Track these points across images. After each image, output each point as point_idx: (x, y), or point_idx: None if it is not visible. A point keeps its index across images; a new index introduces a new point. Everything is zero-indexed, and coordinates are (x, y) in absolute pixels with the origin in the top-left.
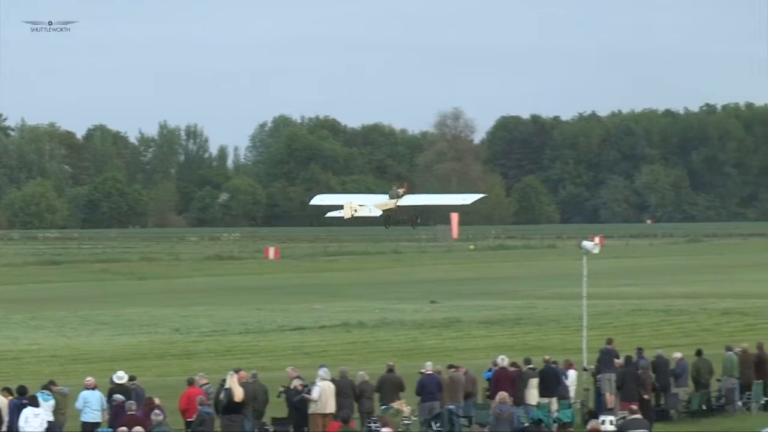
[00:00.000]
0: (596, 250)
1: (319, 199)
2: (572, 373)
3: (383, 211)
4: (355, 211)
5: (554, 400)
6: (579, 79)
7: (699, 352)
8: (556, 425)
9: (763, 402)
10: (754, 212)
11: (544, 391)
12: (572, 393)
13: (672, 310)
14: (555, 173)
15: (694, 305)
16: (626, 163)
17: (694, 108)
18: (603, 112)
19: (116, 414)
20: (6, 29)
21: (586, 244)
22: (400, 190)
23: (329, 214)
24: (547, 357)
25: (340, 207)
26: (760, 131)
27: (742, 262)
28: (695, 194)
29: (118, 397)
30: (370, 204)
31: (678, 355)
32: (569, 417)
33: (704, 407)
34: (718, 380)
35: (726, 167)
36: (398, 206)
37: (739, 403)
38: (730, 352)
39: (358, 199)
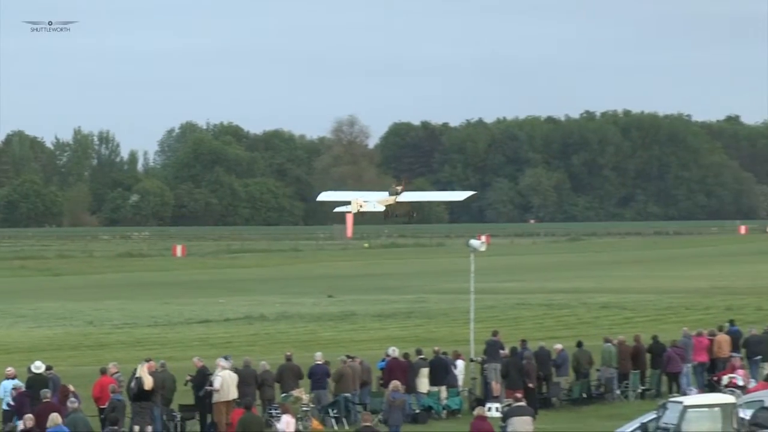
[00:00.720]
0: (483, 248)
1: (325, 196)
2: (460, 363)
3: (385, 206)
4: (361, 206)
5: (443, 388)
6: (467, 88)
7: (579, 344)
8: (445, 412)
9: (639, 390)
10: (630, 212)
11: (434, 380)
12: (460, 382)
13: (554, 304)
14: (444, 176)
15: (575, 300)
16: (511, 167)
17: (575, 115)
18: (489, 118)
19: (21, 403)
20: None
21: (474, 242)
22: (399, 188)
23: (337, 209)
24: (436, 348)
25: (347, 203)
26: (636, 136)
27: (620, 260)
28: (575, 196)
29: (18, 384)
30: (373, 200)
31: (559, 346)
32: (458, 404)
33: (584, 395)
34: (598, 370)
35: (604, 170)
36: (397, 202)
37: (617, 392)
38: (609, 344)
39: (362, 196)
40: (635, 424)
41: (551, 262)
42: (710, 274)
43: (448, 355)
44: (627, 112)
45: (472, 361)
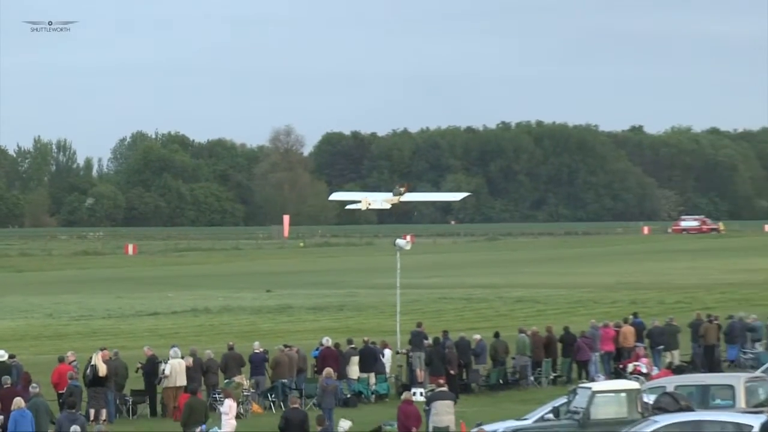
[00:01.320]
0: (408, 247)
1: (336, 195)
2: (388, 352)
3: (391, 204)
4: (369, 204)
5: (372, 375)
6: (394, 101)
7: (496, 334)
8: (374, 396)
9: (551, 377)
10: (542, 214)
11: (363, 367)
12: (388, 369)
13: (473, 298)
14: (372, 181)
15: (492, 294)
16: (433, 173)
17: (492, 125)
18: (413, 128)
19: None
20: None
21: (400, 242)
22: (402, 189)
23: (348, 207)
24: (366, 338)
25: (357, 201)
26: (548, 145)
27: (533, 258)
28: (492, 199)
29: None
30: (380, 199)
31: (478, 336)
32: (385, 389)
33: (501, 381)
34: (513, 358)
35: (519, 176)
36: (401, 201)
37: (531, 378)
38: (523, 335)
39: (369, 195)
40: (547, 407)
41: (470, 260)
42: (616, 270)
43: (376, 345)
44: (540, 123)
45: (398, 353)
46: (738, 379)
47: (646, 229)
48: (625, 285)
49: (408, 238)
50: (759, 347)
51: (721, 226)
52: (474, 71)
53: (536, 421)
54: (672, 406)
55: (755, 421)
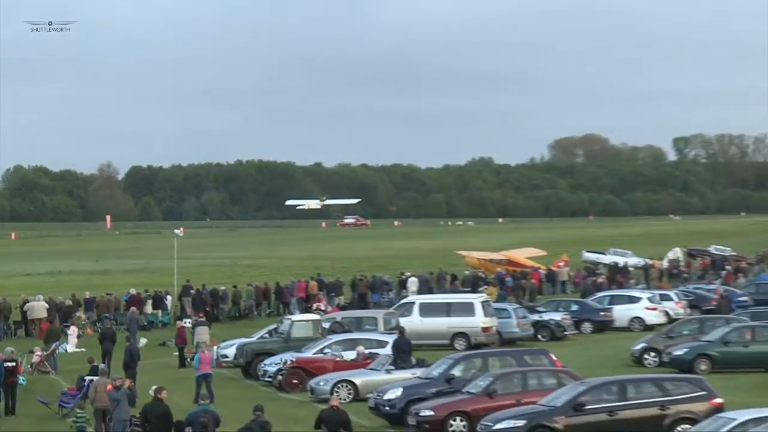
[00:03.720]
0: (181, 235)
1: (290, 202)
2: (170, 297)
3: (321, 206)
4: (310, 206)
5: (160, 311)
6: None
7: (234, 286)
8: (161, 324)
9: (267, 312)
10: (263, 214)
11: (154, 306)
12: (170, 307)
13: (221, 265)
14: (161, 196)
15: (231, 262)
16: (197, 191)
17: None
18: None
19: None
20: None
21: (177, 231)
22: (324, 198)
23: (298, 207)
24: (157, 289)
25: (303, 204)
26: (266, 173)
27: (256, 240)
28: (232, 205)
29: None
30: (314, 203)
31: (223, 287)
32: (168, 320)
33: (237, 315)
34: (245, 301)
35: (249, 192)
36: (323, 205)
37: (255, 313)
38: (251, 286)
39: (308, 202)
40: (265, 331)
41: (215, 243)
42: (308, 248)
43: (161, 292)
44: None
45: (179, 299)
46: (379, 314)
47: (324, 223)
48: (313, 257)
49: (182, 229)
50: (392, 294)
51: (369, 222)
52: None
53: (258, 339)
54: (339, 329)
55: (390, 338)
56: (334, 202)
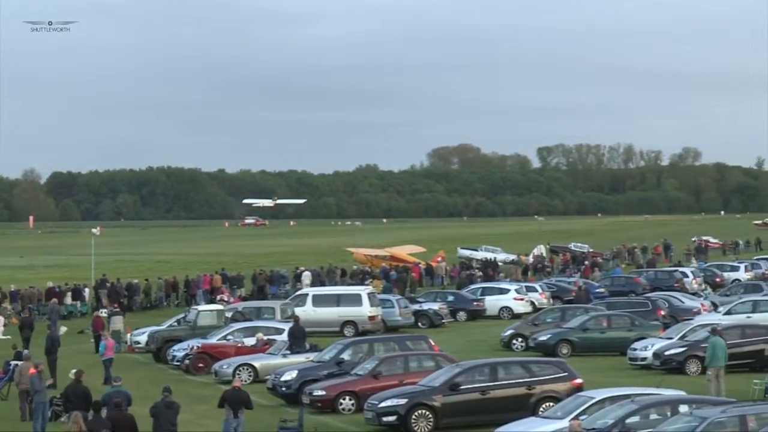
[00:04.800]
0: (98, 234)
1: (247, 200)
2: (87, 290)
3: (274, 204)
4: (264, 204)
5: (78, 302)
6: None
7: (146, 279)
8: (80, 314)
9: (176, 302)
10: (172, 215)
11: (74, 298)
12: (87, 298)
13: (135, 261)
14: (81, 198)
15: (144, 258)
16: (113, 194)
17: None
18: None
19: None
20: None
21: (94, 230)
22: (276, 198)
23: (254, 205)
24: (76, 282)
25: (258, 203)
26: (175, 181)
27: (166, 239)
28: (144, 207)
29: None
30: (267, 202)
31: (136, 280)
32: (86, 310)
33: (149, 305)
34: (155, 293)
35: (158, 196)
36: (276, 204)
37: (165, 303)
38: (161, 280)
39: (263, 201)
40: (173, 320)
41: (129, 241)
42: (216, 245)
43: (79, 285)
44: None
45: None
46: (276, 304)
47: (227, 223)
48: (217, 254)
49: (98, 228)
50: (288, 287)
51: (267, 222)
52: None
53: (168, 327)
54: (240, 318)
55: (286, 326)
56: (284, 201)
